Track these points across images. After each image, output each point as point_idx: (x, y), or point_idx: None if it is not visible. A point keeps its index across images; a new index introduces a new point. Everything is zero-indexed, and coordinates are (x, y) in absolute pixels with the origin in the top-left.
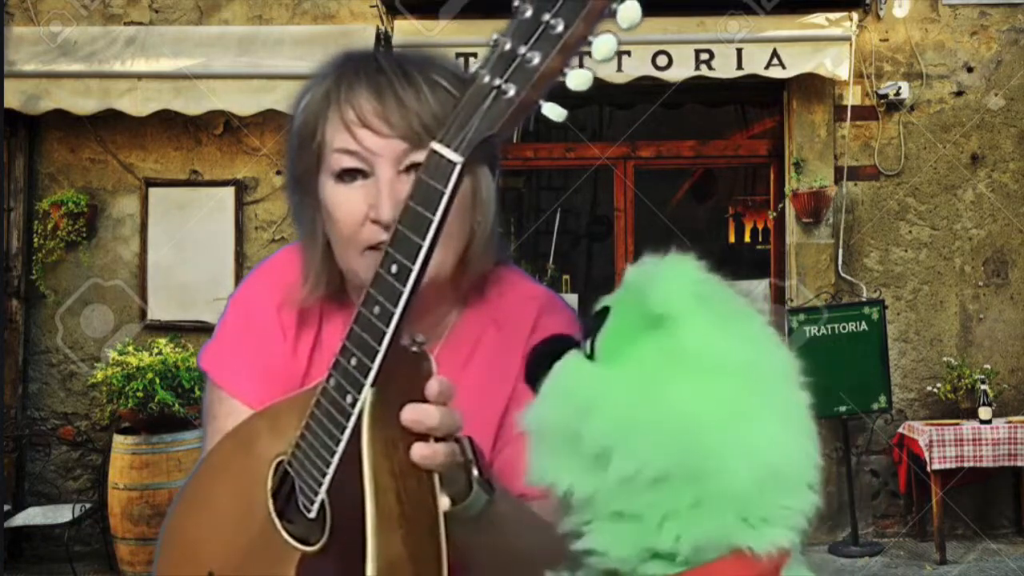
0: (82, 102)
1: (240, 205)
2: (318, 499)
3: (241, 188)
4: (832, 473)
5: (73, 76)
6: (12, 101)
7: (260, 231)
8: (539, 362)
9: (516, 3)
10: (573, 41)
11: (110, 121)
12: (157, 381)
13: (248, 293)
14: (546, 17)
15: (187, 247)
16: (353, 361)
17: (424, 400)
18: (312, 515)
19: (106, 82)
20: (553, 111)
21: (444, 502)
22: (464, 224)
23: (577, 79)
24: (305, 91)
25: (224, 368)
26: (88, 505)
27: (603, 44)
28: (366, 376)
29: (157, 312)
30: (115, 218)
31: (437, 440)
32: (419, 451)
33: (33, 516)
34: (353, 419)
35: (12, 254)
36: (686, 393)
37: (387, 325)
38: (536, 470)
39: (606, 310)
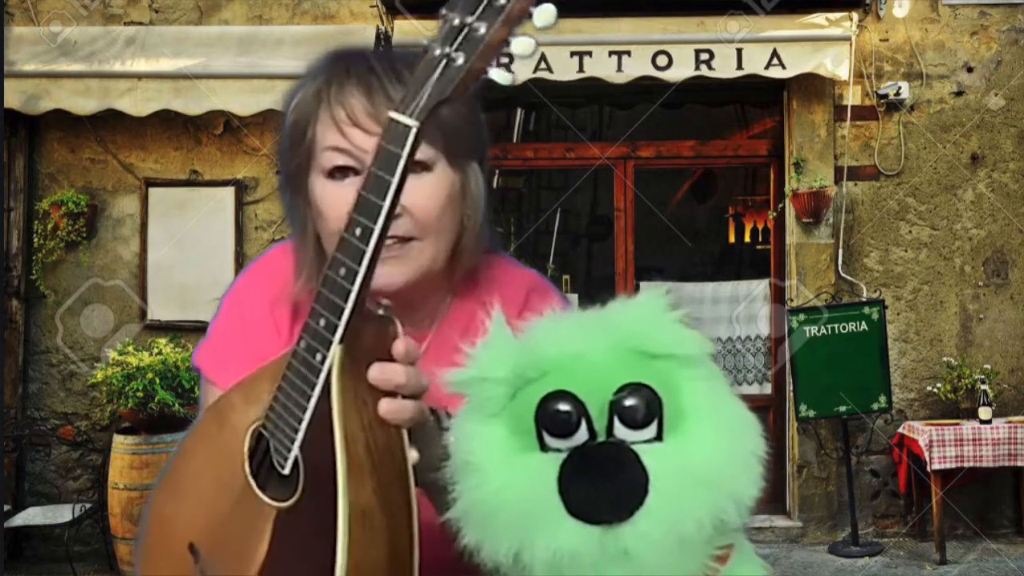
0: (82, 102)
1: (240, 205)
2: (292, 456)
3: (241, 188)
4: (832, 473)
5: (73, 76)
6: (12, 101)
7: (260, 231)
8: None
9: None
10: (515, 12)
11: (110, 121)
12: (157, 381)
13: (241, 290)
14: None
15: (187, 247)
16: (322, 322)
17: (391, 360)
18: (286, 472)
19: (106, 82)
20: (500, 76)
21: (413, 455)
22: (455, 218)
23: (520, 46)
24: (296, 90)
25: (218, 364)
26: (88, 505)
27: (542, 13)
28: (334, 334)
29: (157, 312)
30: (115, 218)
31: (405, 398)
32: (386, 405)
33: (33, 516)
34: (323, 375)
35: (12, 254)
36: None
37: (352, 284)
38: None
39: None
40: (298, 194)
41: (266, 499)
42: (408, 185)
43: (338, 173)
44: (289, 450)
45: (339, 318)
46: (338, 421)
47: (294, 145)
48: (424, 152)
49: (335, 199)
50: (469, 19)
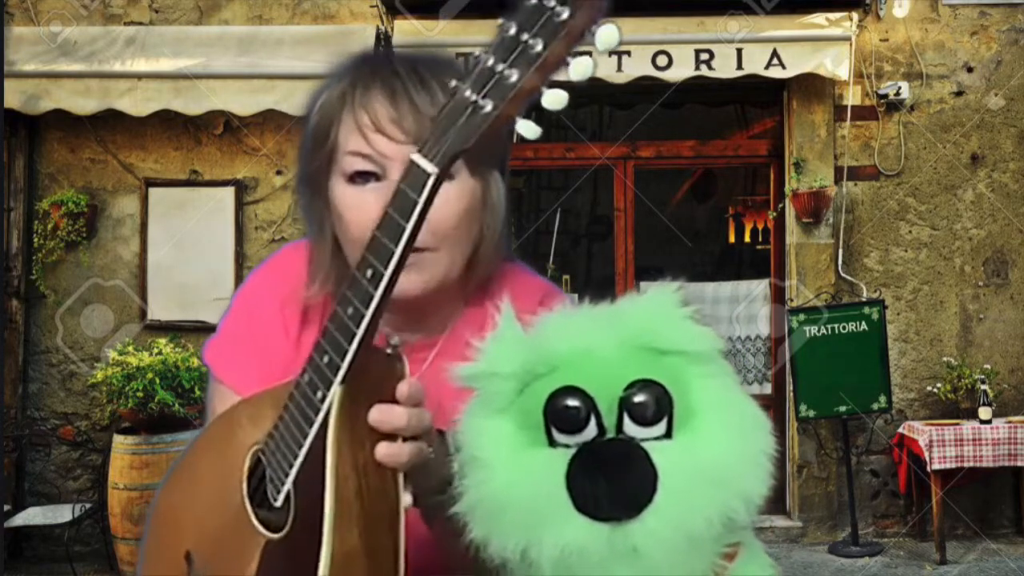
0: (82, 102)
1: (240, 205)
2: (284, 489)
3: (241, 188)
4: (832, 473)
5: (73, 76)
6: (12, 101)
7: (260, 231)
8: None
9: (501, 21)
10: (551, 61)
11: (110, 121)
12: (157, 381)
13: (252, 289)
14: (526, 37)
15: (187, 247)
16: (326, 359)
17: (395, 401)
18: (278, 504)
19: (106, 82)
20: (527, 129)
21: (407, 500)
22: (473, 228)
23: (552, 99)
24: (321, 91)
25: (226, 363)
26: (88, 505)
27: (580, 65)
28: (336, 374)
29: (157, 312)
30: (115, 218)
31: (405, 440)
32: (383, 449)
33: (33, 516)
34: (321, 415)
35: (12, 254)
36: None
37: (358, 326)
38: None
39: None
40: (317, 196)
41: (258, 526)
42: None
43: (359, 178)
44: (283, 482)
45: (342, 358)
46: (331, 464)
47: (316, 146)
48: None
49: (355, 204)
50: (501, 66)
